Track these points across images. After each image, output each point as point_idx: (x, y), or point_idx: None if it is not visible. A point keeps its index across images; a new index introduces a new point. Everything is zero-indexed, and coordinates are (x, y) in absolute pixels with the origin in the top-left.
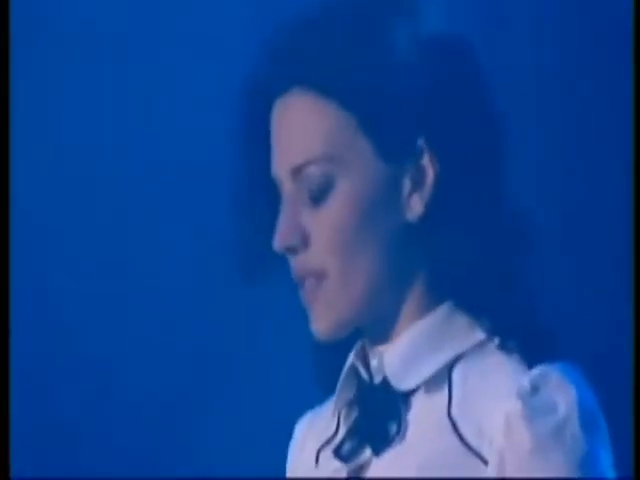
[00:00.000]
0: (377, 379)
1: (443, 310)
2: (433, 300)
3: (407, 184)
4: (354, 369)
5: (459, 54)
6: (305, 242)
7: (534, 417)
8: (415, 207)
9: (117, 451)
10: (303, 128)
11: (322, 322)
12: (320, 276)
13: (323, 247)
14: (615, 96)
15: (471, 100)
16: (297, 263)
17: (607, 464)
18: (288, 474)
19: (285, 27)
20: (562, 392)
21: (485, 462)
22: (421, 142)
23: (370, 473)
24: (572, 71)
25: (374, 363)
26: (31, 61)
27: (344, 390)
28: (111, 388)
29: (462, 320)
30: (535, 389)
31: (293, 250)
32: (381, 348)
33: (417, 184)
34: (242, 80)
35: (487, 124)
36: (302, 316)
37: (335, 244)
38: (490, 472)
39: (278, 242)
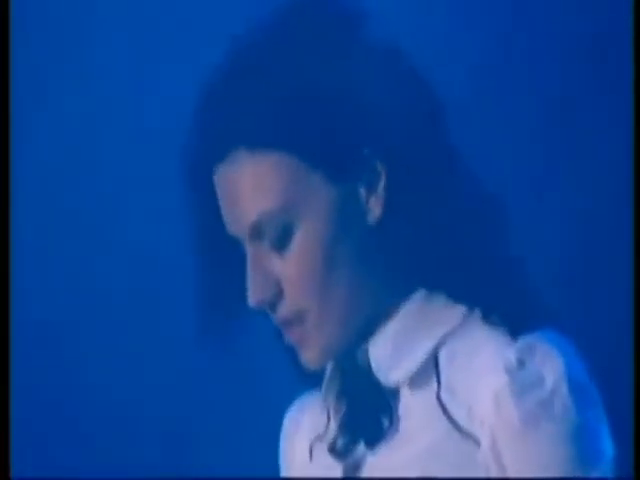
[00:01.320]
0: (364, 375)
1: (417, 297)
2: (410, 293)
3: (362, 192)
4: (339, 365)
5: (387, 56)
6: (279, 292)
7: (521, 392)
8: (374, 209)
9: (117, 451)
10: (250, 187)
11: (312, 356)
12: (301, 317)
13: (297, 292)
14: (615, 91)
15: (404, 97)
16: (276, 313)
17: (603, 435)
18: (282, 468)
19: (210, 91)
20: (549, 364)
21: (478, 443)
22: (367, 151)
23: (366, 468)
24: (571, 70)
25: (360, 358)
26: (30, 57)
27: (331, 386)
28: (112, 387)
29: (439, 302)
30: (521, 363)
31: (269, 303)
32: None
33: (371, 188)
34: (179, 153)
35: (424, 115)
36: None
37: (308, 285)
38: (483, 453)
39: (253, 299)
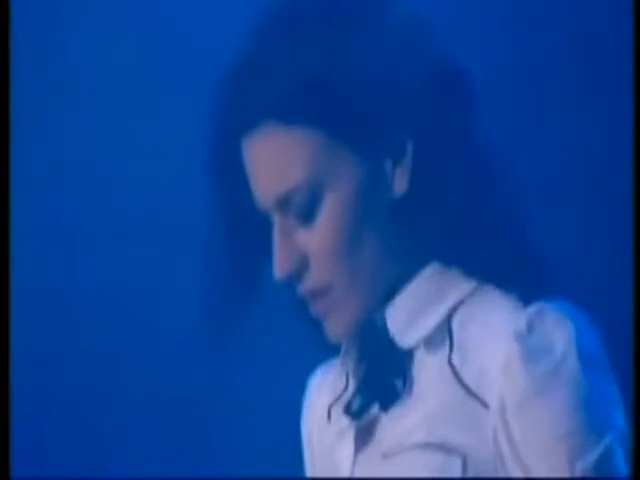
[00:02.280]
0: (382, 338)
1: (432, 266)
2: (425, 262)
3: (389, 166)
4: (358, 329)
5: (414, 32)
6: (305, 264)
7: (531, 358)
8: (400, 184)
9: (118, 451)
10: (277, 160)
11: (338, 327)
12: (327, 289)
13: (324, 264)
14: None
15: (431, 73)
16: (302, 285)
17: (614, 402)
18: (303, 431)
19: (238, 63)
20: (559, 330)
21: (487, 407)
22: (394, 126)
23: (379, 429)
24: (571, 68)
25: (377, 322)
26: (30, 57)
27: (350, 349)
28: (112, 386)
29: (453, 272)
30: (531, 328)
31: (296, 275)
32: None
33: (397, 162)
34: (205, 123)
35: (451, 86)
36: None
37: (334, 257)
38: (491, 416)
39: (279, 270)
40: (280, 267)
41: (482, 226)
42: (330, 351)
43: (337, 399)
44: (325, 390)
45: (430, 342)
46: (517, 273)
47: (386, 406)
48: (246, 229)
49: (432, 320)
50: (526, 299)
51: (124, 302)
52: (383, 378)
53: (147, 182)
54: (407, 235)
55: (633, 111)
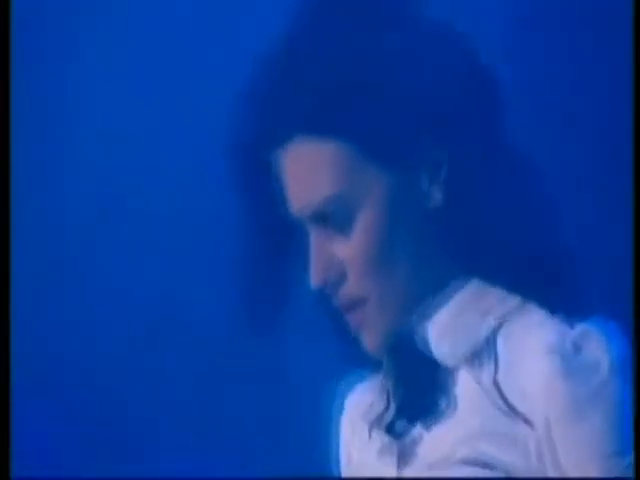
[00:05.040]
0: (422, 356)
1: (473, 283)
2: (460, 279)
3: (424, 179)
4: (398, 347)
5: (442, 39)
6: (341, 274)
7: (575, 376)
8: (435, 196)
9: (118, 451)
10: (310, 173)
11: (373, 340)
12: (363, 301)
13: (360, 275)
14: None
15: (461, 83)
16: (338, 295)
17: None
18: (342, 451)
19: (267, 75)
20: (603, 351)
21: (531, 424)
22: (427, 139)
23: (421, 447)
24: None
25: (418, 340)
26: (30, 56)
27: (390, 368)
28: (114, 386)
29: (495, 290)
30: (577, 348)
31: (332, 284)
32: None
33: (432, 174)
34: (233, 135)
35: (484, 96)
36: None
37: (370, 268)
38: (537, 434)
39: (316, 279)
40: (317, 276)
41: (518, 237)
42: (359, 363)
43: (379, 418)
44: (364, 409)
45: (474, 360)
46: (555, 287)
47: (429, 425)
48: (279, 239)
49: (476, 338)
50: (568, 316)
51: (129, 299)
52: (426, 398)
53: (166, 186)
54: (442, 247)
55: (633, 111)
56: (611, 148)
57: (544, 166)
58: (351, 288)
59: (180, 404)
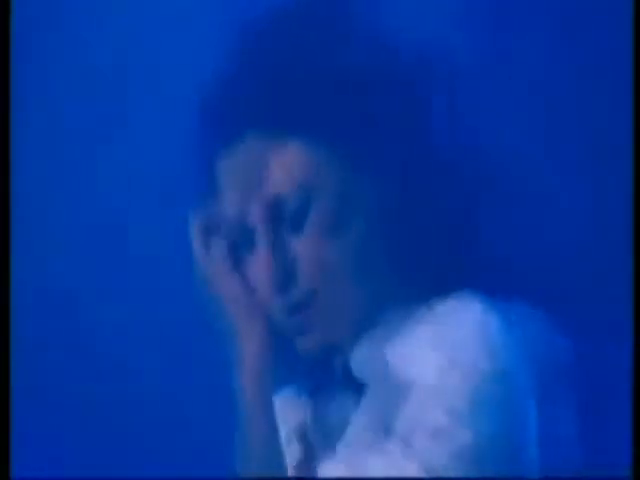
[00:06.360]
0: (342, 373)
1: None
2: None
3: (374, 177)
4: (324, 357)
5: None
6: (291, 273)
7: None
8: (387, 197)
9: (118, 451)
10: (265, 171)
11: (310, 343)
12: (308, 300)
13: (309, 272)
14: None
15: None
16: (285, 294)
17: None
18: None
19: (220, 77)
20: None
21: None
22: (377, 139)
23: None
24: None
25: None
26: (30, 56)
27: (310, 378)
28: (115, 386)
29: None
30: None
31: (281, 283)
32: None
33: (380, 175)
34: (190, 132)
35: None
36: None
37: (319, 270)
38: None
39: (266, 277)
40: (267, 274)
41: (461, 245)
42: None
43: (296, 428)
44: (284, 417)
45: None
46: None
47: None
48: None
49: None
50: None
51: (125, 300)
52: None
53: (137, 182)
54: (389, 254)
55: (633, 111)
56: (611, 148)
57: (544, 166)
58: (299, 286)
59: (180, 405)
